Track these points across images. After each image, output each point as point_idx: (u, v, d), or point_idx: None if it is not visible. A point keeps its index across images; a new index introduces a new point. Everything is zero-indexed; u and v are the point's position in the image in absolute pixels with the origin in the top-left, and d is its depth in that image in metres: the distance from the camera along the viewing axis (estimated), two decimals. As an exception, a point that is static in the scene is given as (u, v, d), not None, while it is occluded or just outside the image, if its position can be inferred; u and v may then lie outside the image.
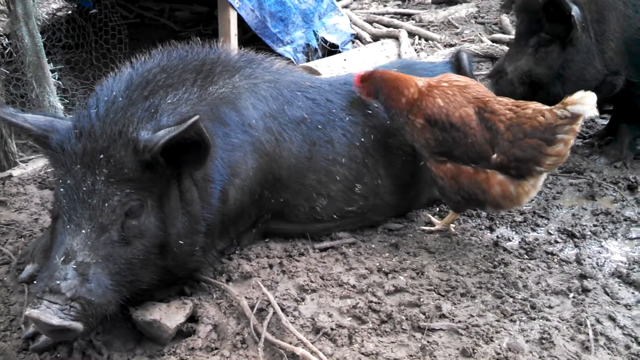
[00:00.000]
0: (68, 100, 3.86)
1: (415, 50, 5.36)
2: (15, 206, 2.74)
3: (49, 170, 3.02)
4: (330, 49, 5.49)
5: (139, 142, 1.89)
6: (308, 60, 5.32)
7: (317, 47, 5.43)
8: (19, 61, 2.96)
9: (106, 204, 1.87)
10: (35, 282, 1.88)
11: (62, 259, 1.82)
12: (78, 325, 1.77)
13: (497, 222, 2.80)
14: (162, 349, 2.01)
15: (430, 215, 2.75)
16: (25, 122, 1.97)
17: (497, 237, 2.68)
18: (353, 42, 5.71)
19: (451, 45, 5.46)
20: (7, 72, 2.99)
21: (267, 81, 2.43)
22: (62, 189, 1.91)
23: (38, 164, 3.08)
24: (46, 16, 3.50)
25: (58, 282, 1.78)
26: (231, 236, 2.33)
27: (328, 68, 4.72)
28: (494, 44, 4.96)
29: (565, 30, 2.98)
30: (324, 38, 5.32)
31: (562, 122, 2.24)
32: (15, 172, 3.00)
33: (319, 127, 2.53)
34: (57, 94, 3.31)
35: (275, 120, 2.35)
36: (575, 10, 2.93)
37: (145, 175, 1.91)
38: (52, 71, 3.08)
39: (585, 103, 2.20)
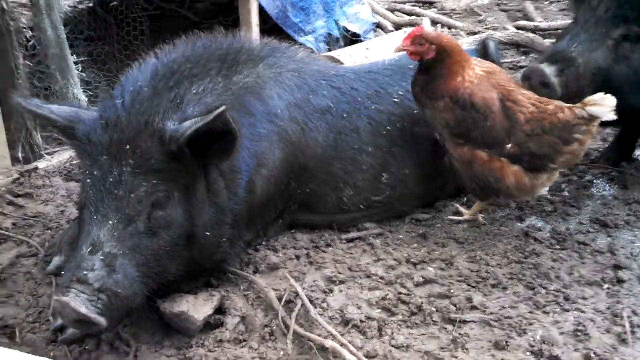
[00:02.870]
0: (91, 92, 3.88)
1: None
2: (42, 198, 2.74)
3: (75, 162, 3.03)
4: (352, 38, 5.44)
5: (165, 133, 1.87)
6: (330, 50, 5.27)
7: (338, 36, 5.38)
8: (42, 53, 2.96)
9: (133, 195, 1.86)
10: (62, 273, 1.87)
11: (89, 249, 1.81)
12: (102, 320, 1.76)
13: (527, 211, 2.74)
14: (189, 340, 2.00)
15: (457, 205, 2.70)
16: (51, 114, 1.96)
17: (527, 226, 2.62)
18: (375, 31, 5.64)
19: (474, 33, 5.36)
20: (31, 64, 2.98)
21: (291, 70, 2.40)
22: (88, 180, 1.90)
23: (63, 156, 3.09)
24: (68, 8, 3.49)
25: (85, 272, 1.78)
26: (257, 227, 2.31)
27: (350, 57, 4.66)
28: (519, 31, 4.87)
29: None
30: (345, 27, 5.27)
31: (580, 122, 2.25)
32: (41, 164, 3.01)
33: (344, 115, 2.49)
34: (81, 86, 3.32)
35: (300, 109, 2.32)
36: None
37: (172, 166, 1.90)
38: (76, 63, 3.07)
39: (604, 105, 2.21)
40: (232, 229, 2.09)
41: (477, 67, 2.41)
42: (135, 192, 1.86)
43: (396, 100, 2.67)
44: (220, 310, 2.09)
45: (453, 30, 5.41)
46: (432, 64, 2.36)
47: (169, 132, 1.86)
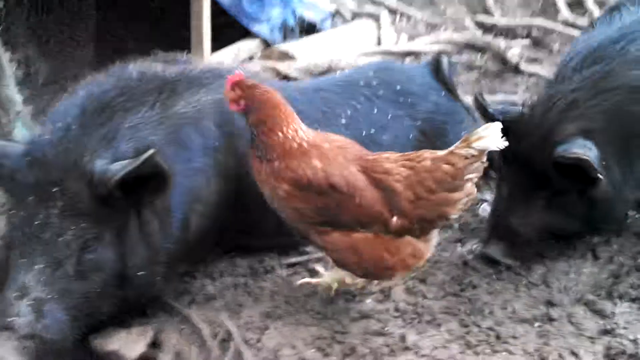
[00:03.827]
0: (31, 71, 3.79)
1: (396, 31, 5.26)
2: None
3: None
4: (308, 28, 5.37)
5: (94, 175, 1.82)
6: (285, 39, 5.19)
7: (294, 25, 5.29)
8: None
9: (60, 239, 1.82)
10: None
11: (15, 294, 1.77)
12: None
13: (467, 235, 2.80)
14: (121, 378, 1.98)
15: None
16: None
17: (468, 252, 2.68)
18: (333, 19, 5.55)
19: (434, 26, 5.37)
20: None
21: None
22: (14, 220, 1.83)
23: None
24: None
25: (13, 318, 1.73)
26: (194, 258, 2.28)
27: (303, 52, 4.62)
28: (476, 33, 4.92)
29: (584, 182, 2.43)
30: (302, 15, 5.17)
31: (469, 161, 2.02)
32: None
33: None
34: (20, 66, 3.21)
35: (241, 138, 2.25)
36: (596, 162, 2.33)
37: (102, 209, 1.85)
38: (11, 60, 2.94)
39: (491, 134, 1.99)
40: (167, 267, 2.06)
41: (319, 137, 2.12)
42: (63, 235, 1.82)
43: (344, 121, 2.65)
44: (154, 343, 2.07)
45: (411, 21, 5.40)
46: (253, 125, 2.02)
47: (98, 175, 1.82)
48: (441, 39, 4.81)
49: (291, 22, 5.28)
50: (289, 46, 4.66)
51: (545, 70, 4.63)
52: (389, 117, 2.81)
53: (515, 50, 4.99)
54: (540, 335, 2.25)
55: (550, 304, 2.39)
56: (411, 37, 5.06)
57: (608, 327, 2.29)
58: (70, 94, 2.07)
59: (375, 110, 2.79)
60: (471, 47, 4.84)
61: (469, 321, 2.27)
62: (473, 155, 1.99)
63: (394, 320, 2.25)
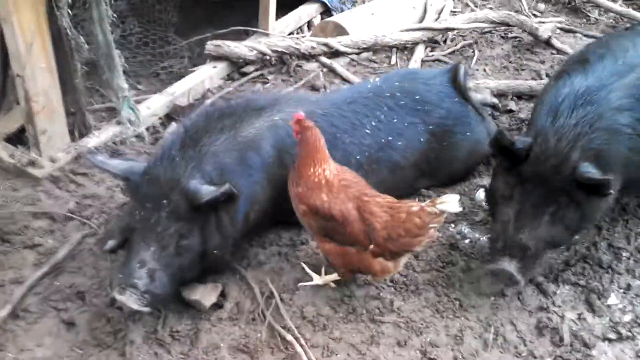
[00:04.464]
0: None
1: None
2: (95, 179, 3.66)
3: (117, 139, 3.92)
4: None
5: (189, 193, 2.74)
6: (343, 2, 5.78)
7: (351, -15, 5.83)
8: (95, 53, 3.69)
9: (166, 231, 2.78)
10: (120, 275, 2.81)
11: (137, 265, 2.77)
12: (147, 310, 2.77)
13: (460, 217, 3.60)
14: (200, 315, 3.00)
15: (310, 271, 3.13)
16: (113, 168, 2.85)
17: (458, 232, 3.48)
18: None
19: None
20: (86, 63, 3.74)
21: (282, 119, 3.16)
22: (136, 216, 2.81)
23: (108, 133, 3.93)
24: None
25: (136, 280, 2.74)
26: (252, 235, 3.23)
27: (356, 26, 5.22)
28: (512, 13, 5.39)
29: (598, 195, 2.91)
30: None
31: (433, 217, 2.69)
32: (92, 141, 3.86)
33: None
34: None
35: (288, 153, 3.10)
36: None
37: (193, 213, 2.79)
38: (120, 57, 3.81)
39: (451, 202, 2.67)
40: (233, 247, 3.03)
41: (335, 177, 2.79)
42: (168, 229, 2.78)
43: (368, 131, 3.44)
44: (222, 293, 3.08)
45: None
46: (297, 154, 2.84)
47: (192, 193, 2.75)
48: (479, 16, 5.32)
49: (348, -18, 5.85)
50: (342, 19, 5.27)
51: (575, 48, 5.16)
52: (406, 124, 3.53)
53: (548, 25, 5.49)
54: (492, 307, 3.09)
55: (510, 281, 3.09)
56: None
57: (545, 305, 3.11)
58: (173, 130, 2.98)
59: (395, 119, 3.51)
60: (506, 24, 5.34)
61: (442, 292, 3.13)
62: (436, 213, 2.70)
63: (387, 288, 3.14)
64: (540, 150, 2.97)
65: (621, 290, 3.23)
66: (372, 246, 2.77)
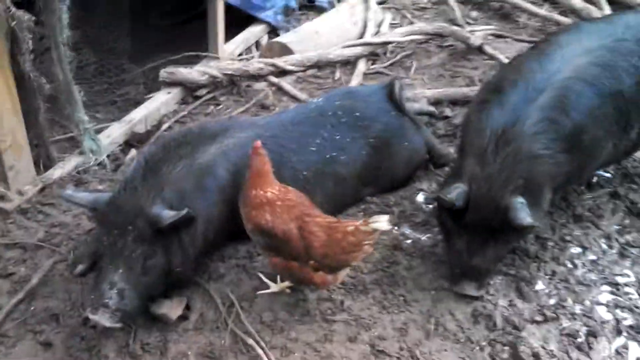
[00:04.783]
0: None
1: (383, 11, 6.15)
2: (62, 208, 3.91)
3: (80, 169, 4.17)
4: (308, 4, 6.22)
5: (152, 218, 3.03)
6: (288, 21, 6.09)
7: (295, 7, 6.17)
8: (55, 90, 3.94)
9: (133, 254, 3.06)
10: (92, 295, 3.07)
11: (107, 286, 3.03)
12: (119, 325, 3.05)
13: (402, 220, 3.94)
14: (168, 327, 3.27)
15: (266, 279, 3.40)
16: (82, 201, 3.12)
17: (401, 235, 3.83)
18: (329, -4, 6.37)
19: (423, 9, 6.27)
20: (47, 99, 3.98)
21: (235, 144, 3.47)
22: (104, 242, 3.08)
23: (71, 163, 4.19)
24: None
25: (107, 300, 3.01)
26: (212, 251, 3.53)
27: (300, 44, 5.55)
28: (445, 25, 5.79)
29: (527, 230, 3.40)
30: (301, -3, 5.89)
31: (367, 235, 2.90)
32: (57, 172, 4.10)
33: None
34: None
35: (240, 174, 3.40)
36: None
37: (156, 236, 3.08)
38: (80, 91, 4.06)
39: (382, 221, 2.88)
40: (195, 263, 3.33)
41: (278, 199, 3.00)
42: (134, 252, 3.06)
43: (313, 148, 3.76)
44: (187, 306, 3.36)
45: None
46: (246, 177, 3.08)
47: (154, 218, 3.03)
48: (415, 29, 5.70)
49: (292, 4, 6.18)
50: (287, 39, 5.59)
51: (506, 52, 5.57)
52: (348, 139, 3.87)
53: (479, 33, 5.90)
54: (434, 300, 3.41)
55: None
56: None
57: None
58: (133, 162, 3.26)
59: (338, 136, 3.83)
60: (440, 35, 5.74)
61: (388, 290, 3.45)
62: (369, 232, 2.89)
63: (338, 290, 3.45)
64: (475, 199, 3.24)
65: (547, 277, 3.60)
66: (311, 261, 2.98)
